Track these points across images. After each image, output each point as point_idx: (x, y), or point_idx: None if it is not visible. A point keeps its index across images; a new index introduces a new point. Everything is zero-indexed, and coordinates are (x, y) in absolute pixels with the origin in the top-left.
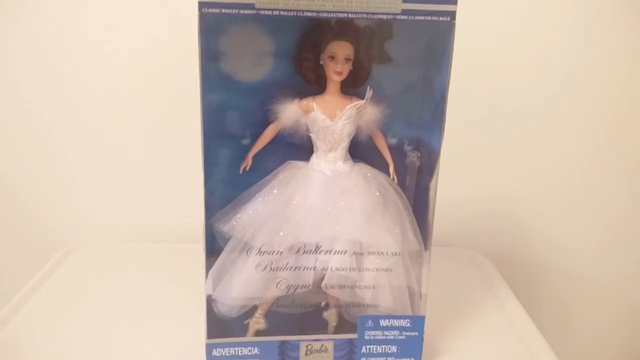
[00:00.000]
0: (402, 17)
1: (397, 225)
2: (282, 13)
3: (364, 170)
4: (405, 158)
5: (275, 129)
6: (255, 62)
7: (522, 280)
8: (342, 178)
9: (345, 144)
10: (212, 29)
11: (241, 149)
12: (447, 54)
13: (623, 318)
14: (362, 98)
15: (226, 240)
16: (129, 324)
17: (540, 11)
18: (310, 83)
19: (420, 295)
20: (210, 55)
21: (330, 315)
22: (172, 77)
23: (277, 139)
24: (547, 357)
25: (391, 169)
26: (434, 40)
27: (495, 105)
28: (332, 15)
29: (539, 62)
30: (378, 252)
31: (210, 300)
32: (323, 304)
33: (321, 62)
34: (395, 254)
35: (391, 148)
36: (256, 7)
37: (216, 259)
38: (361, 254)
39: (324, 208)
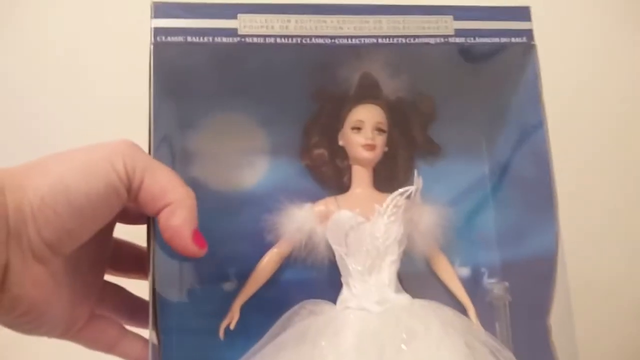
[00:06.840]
0: (457, 39)
1: None
2: (278, 41)
3: (433, 306)
4: (486, 294)
5: (277, 257)
6: (241, 164)
7: None
8: (401, 317)
9: (394, 257)
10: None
11: (221, 299)
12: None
13: (623, 318)
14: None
15: None
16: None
17: (540, 11)
18: (327, 182)
19: None
20: (174, 153)
21: None
22: None
23: (281, 273)
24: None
25: (471, 313)
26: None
27: None
28: (355, 41)
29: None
30: None
31: None
32: None
33: (340, 143)
34: None
35: (464, 281)
36: (240, 33)
37: None
38: None
39: None
